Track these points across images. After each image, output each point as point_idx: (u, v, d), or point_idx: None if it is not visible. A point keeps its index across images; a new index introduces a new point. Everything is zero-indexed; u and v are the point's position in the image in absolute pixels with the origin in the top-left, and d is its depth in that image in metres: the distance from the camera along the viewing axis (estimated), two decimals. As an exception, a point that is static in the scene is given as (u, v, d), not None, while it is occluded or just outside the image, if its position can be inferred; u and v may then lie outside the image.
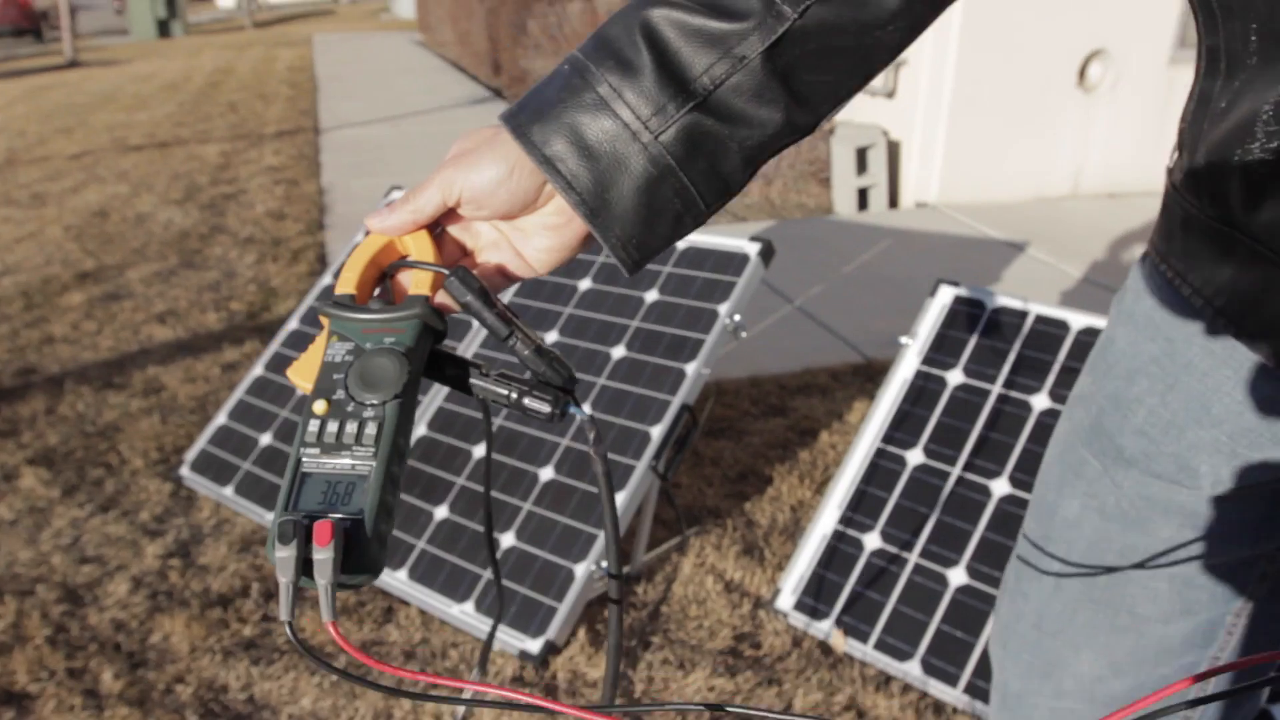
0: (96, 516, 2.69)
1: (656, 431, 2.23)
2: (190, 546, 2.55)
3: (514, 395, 0.71)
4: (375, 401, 0.67)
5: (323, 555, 0.60)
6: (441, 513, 2.33)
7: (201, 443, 2.84)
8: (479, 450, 2.43)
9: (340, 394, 0.67)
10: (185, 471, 2.79)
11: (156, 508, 2.72)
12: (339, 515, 0.62)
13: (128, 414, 3.27)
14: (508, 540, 2.22)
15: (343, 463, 0.65)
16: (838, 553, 2.18)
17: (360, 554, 0.62)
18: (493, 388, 0.72)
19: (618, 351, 2.44)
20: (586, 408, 0.80)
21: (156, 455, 2.99)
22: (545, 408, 0.71)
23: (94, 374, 3.60)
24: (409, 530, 2.32)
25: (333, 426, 0.66)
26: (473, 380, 0.72)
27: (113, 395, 3.42)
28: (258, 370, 2.96)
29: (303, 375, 0.72)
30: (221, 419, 2.88)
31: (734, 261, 2.45)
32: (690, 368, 2.30)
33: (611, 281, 2.60)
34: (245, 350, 3.75)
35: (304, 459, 0.65)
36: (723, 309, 2.36)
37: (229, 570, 2.45)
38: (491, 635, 1.15)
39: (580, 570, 2.09)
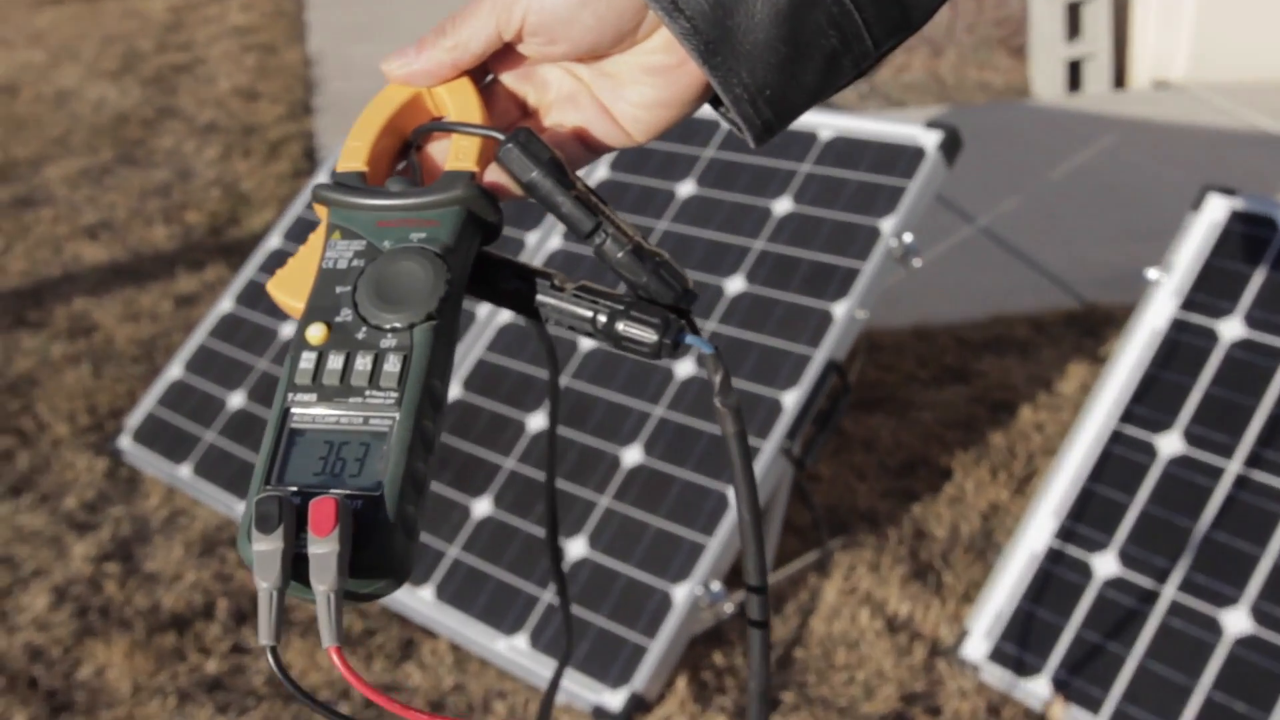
0: (4, 503, 2.73)
1: (790, 399, 2.19)
2: (133, 546, 2.57)
3: (603, 317, 0.71)
4: (399, 325, 0.67)
5: (322, 549, 0.60)
6: (482, 508, 2.32)
7: (148, 404, 2.87)
8: (536, 420, 2.39)
9: (347, 314, 0.68)
10: (125, 443, 2.83)
11: (86, 492, 2.74)
12: (346, 492, 0.63)
13: (47, 362, 3.31)
14: (577, 549, 2.19)
15: (351, 415, 0.65)
16: (1053, 581, 2.11)
17: (378, 548, 0.62)
18: (571, 307, 0.72)
19: (734, 284, 2.39)
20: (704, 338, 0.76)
21: (86, 420, 3.01)
22: (649, 334, 0.71)
23: (0, 307, 3.64)
24: (437, 532, 2.31)
25: (335, 361, 0.67)
26: (541, 297, 0.73)
27: (26, 336, 3.46)
28: (225, 305, 2.98)
29: (289, 288, 0.71)
30: (175, 372, 2.90)
31: (903, 157, 2.39)
32: (839, 309, 2.25)
33: (725, 184, 2.54)
34: (206, 278, 3.78)
35: (293, 410, 0.66)
36: (886, 225, 2.32)
37: (185, 580, 2.46)
38: (555, 684, 1.11)
39: (680, 594, 2.06)
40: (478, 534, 2.30)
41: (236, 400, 2.76)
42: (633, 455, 2.26)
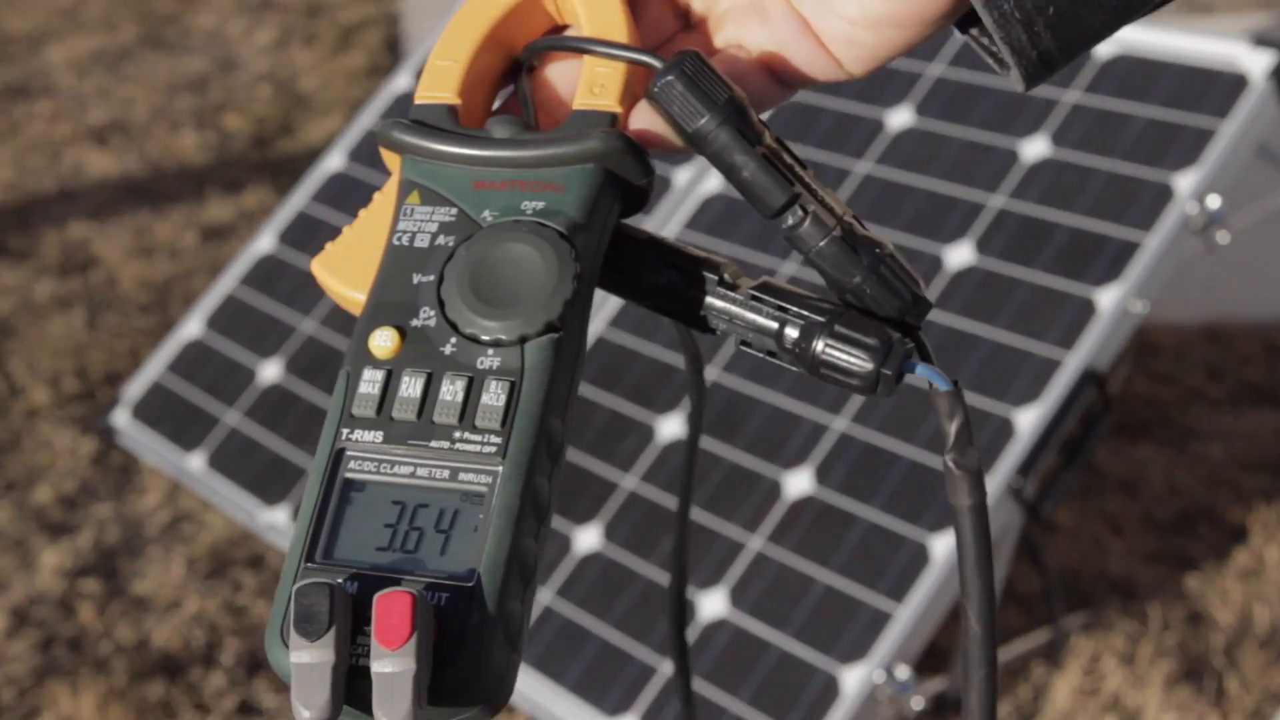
0: (-39, 488, 2.78)
1: (1027, 420, 2.15)
2: (119, 559, 2.61)
3: (793, 332, 0.70)
4: (505, 337, 0.66)
5: (393, 666, 0.59)
6: (589, 541, 2.33)
7: (154, 369, 2.91)
8: (670, 426, 2.39)
9: (428, 317, 0.67)
10: (121, 420, 2.86)
11: (65, 482, 2.79)
12: (425, 579, 0.62)
13: (28, 306, 3.38)
14: (713, 607, 2.18)
15: (433, 466, 0.65)
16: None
17: (470, 664, 0.61)
18: (749, 315, 0.71)
19: (957, 255, 2.35)
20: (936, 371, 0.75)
21: (73, 385, 3.07)
22: (861, 360, 0.69)
23: (-24, 228, 3.74)
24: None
25: (411, 386, 0.66)
26: (711, 298, 0.72)
27: (4, 270, 3.54)
28: (265, 243, 3.02)
29: (342, 271, 0.72)
30: (193, 329, 2.94)
31: (1215, 87, 2.34)
32: (1106, 297, 2.21)
33: (955, 115, 2.50)
34: (245, 204, 3.85)
35: (349, 454, 0.65)
36: (1183, 182, 2.26)
37: (185, 610, 2.49)
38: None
39: (853, 679, 2.04)
40: (579, 576, 2.29)
41: (271, 372, 2.79)
42: (799, 483, 2.24)
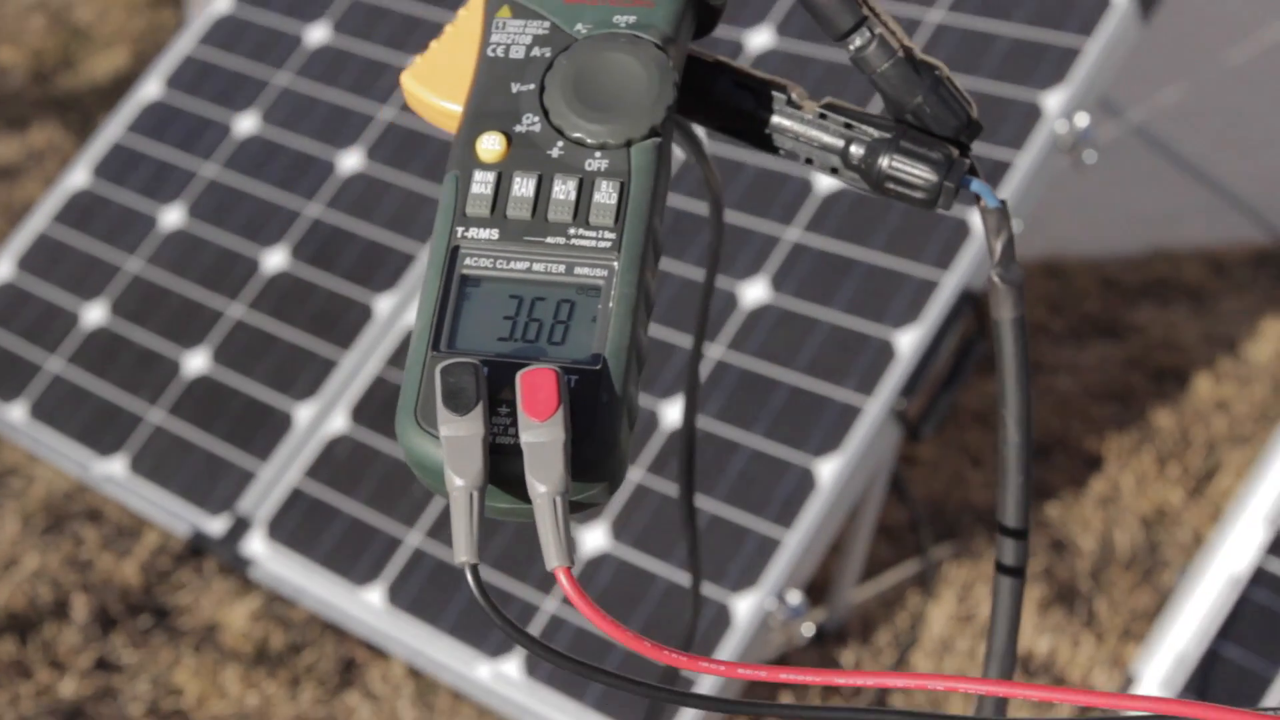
0: None
1: (907, 341, 2.21)
2: None
3: (858, 149, 0.75)
4: (612, 141, 0.71)
5: (543, 436, 0.63)
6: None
7: None
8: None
9: (532, 122, 0.72)
10: None
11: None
12: (551, 363, 0.66)
13: None
14: (594, 542, 2.21)
15: (549, 261, 0.69)
16: (1263, 614, 2.12)
17: (601, 440, 0.65)
18: (816, 133, 0.76)
19: (826, 180, 2.39)
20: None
21: None
22: (926, 173, 0.74)
23: None
24: (396, 515, 2.31)
25: (523, 186, 0.70)
26: (778, 117, 0.77)
27: None
28: (78, 178, 2.96)
29: (437, 81, 0.76)
30: (3, 271, 2.88)
31: (1079, 5, 2.40)
32: (979, 218, 2.24)
33: (813, 36, 2.53)
34: (32, 142, 3.75)
35: (464, 250, 0.69)
36: (1051, 101, 2.33)
37: (25, 567, 2.47)
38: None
39: (744, 607, 2.09)
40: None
41: (95, 315, 2.75)
42: (677, 413, 2.27)
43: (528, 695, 2.13)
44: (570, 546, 0.63)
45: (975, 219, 2.26)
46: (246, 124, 2.86)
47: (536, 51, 0.73)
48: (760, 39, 2.59)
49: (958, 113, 0.75)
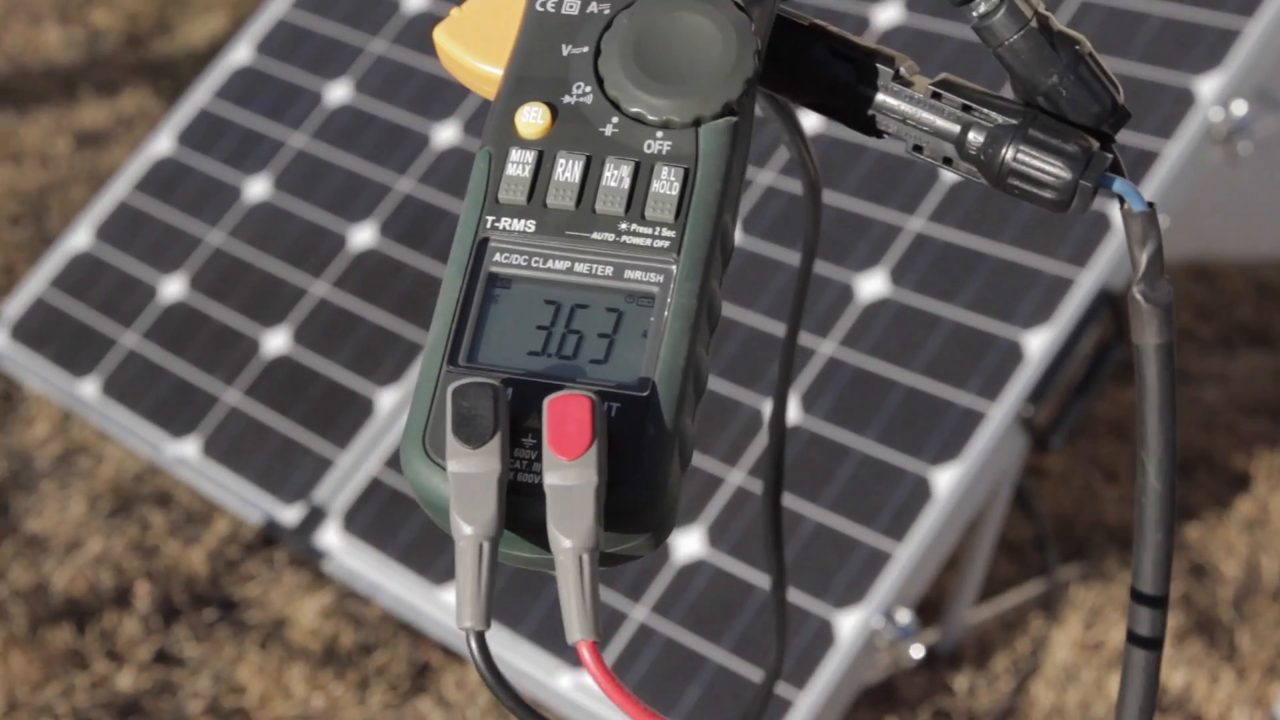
0: None
1: (1037, 343, 2.14)
2: (8, 495, 2.58)
3: (978, 136, 0.68)
4: (678, 119, 0.64)
5: (572, 479, 0.57)
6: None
7: (36, 285, 2.85)
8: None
9: (584, 93, 0.65)
10: (0, 341, 2.80)
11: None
12: (589, 387, 0.60)
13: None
14: (690, 547, 2.15)
15: (595, 260, 0.63)
16: None
17: (646, 483, 0.59)
18: (927, 115, 0.69)
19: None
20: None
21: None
22: (1059, 168, 0.67)
23: None
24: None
25: (568, 170, 0.64)
26: (883, 95, 0.70)
27: None
28: (162, 144, 2.95)
29: (471, 40, 0.69)
30: (80, 240, 2.88)
31: None
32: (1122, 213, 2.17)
33: (943, 12, 2.45)
34: (122, 108, 3.80)
35: (494, 244, 0.63)
36: (1205, 87, 2.25)
37: (88, 551, 2.45)
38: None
39: (849, 625, 2.04)
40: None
41: (174, 288, 2.72)
42: (790, 410, 2.20)
43: (610, 708, 2.06)
44: (597, 615, 0.57)
45: (1117, 212, 2.17)
46: (338, 93, 2.81)
47: (593, 7, 0.66)
48: (888, 14, 2.52)
49: (1100, 97, 0.68)
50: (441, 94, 2.73)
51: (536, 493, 0.57)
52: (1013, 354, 2.13)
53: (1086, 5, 2.39)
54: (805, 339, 2.26)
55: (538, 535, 0.58)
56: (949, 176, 2.31)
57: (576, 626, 0.56)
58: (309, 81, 2.87)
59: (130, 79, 3.92)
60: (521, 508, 0.58)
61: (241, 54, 2.99)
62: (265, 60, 2.96)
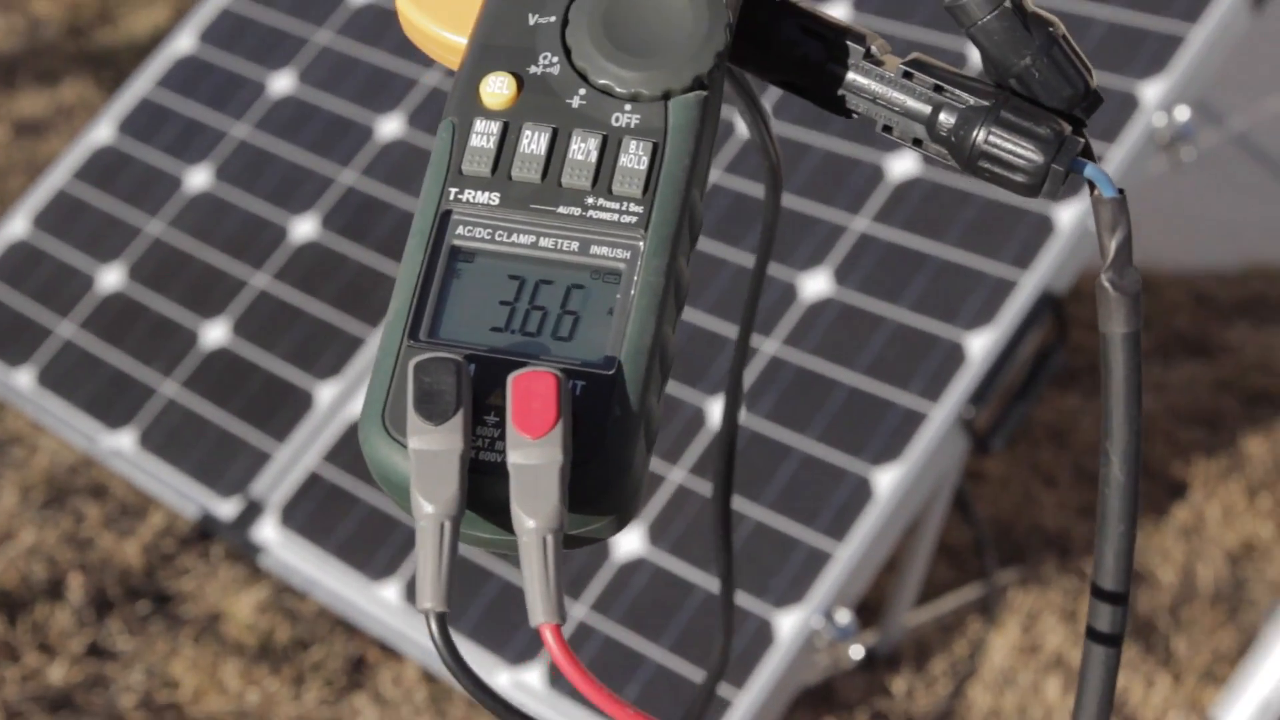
0: None
1: (979, 345, 2.15)
2: None
3: (949, 117, 0.68)
4: (647, 91, 0.63)
5: (537, 457, 0.56)
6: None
7: None
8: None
9: (550, 63, 0.65)
10: None
11: None
12: (554, 365, 0.59)
13: None
14: (630, 545, 2.16)
15: (560, 235, 0.62)
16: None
17: (611, 463, 0.58)
18: (897, 95, 0.69)
19: (902, 165, 2.34)
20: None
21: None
22: (1029, 153, 0.67)
23: None
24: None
25: (534, 142, 0.63)
26: (853, 74, 0.70)
27: None
28: (102, 133, 2.94)
29: (433, 7, 0.68)
30: (17, 228, 2.87)
31: None
32: (1067, 214, 2.22)
33: (895, 12, 2.47)
34: (62, 98, 3.80)
35: (456, 216, 0.62)
36: (1149, 92, 2.26)
37: (20, 542, 2.45)
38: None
39: (788, 624, 2.04)
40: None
41: (112, 278, 2.71)
42: (717, 409, 2.20)
43: (549, 706, 2.07)
44: (560, 598, 0.55)
45: (1061, 213, 2.19)
46: (282, 83, 2.80)
47: None
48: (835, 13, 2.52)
49: (1073, 80, 0.68)
50: (386, 86, 2.73)
51: (499, 471, 0.57)
52: (955, 355, 2.14)
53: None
54: (752, 340, 2.26)
55: (500, 515, 0.57)
56: (894, 176, 2.31)
57: (540, 610, 0.55)
58: (252, 71, 2.86)
59: (70, 68, 3.91)
60: (484, 487, 0.57)
61: (184, 42, 2.97)
62: (208, 49, 2.95)
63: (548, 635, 0.55)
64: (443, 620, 0.56)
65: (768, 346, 2.24)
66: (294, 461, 2.34)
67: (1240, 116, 3.92)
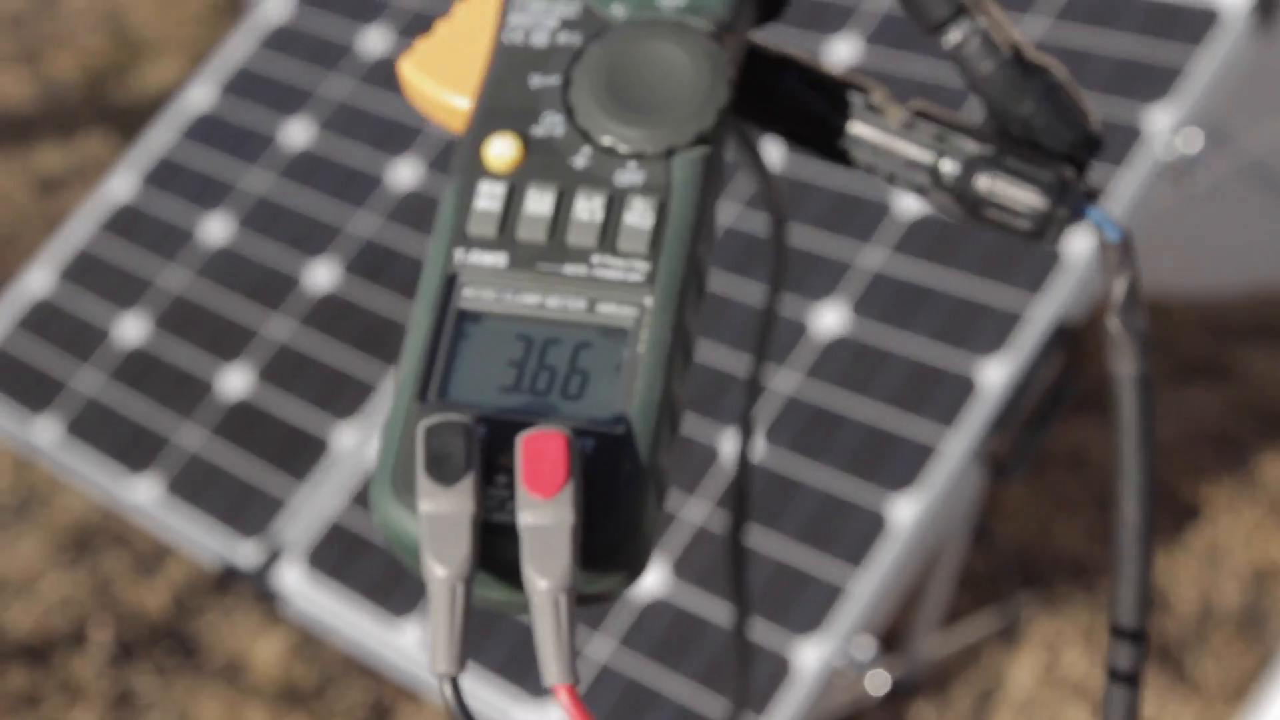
0: None
1: (995, 375, 2.15)
2: None
3: (951, 167, 0.68)
4: (650, 149, 0.63)
5: (547, 518, 0.56)
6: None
7: None
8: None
9: (554, 124, 0.64)
10: None
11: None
12: (563, 424, 0.58)
13: None
14: (651, 584, 2.16)
15: (566, 296, 0.61)
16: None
17: (623, 521, 0.58)
18: (900, 145, 0.69)
19: (908, 200, 2.32)
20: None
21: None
22: (1033, 197, 0.67)
23: None
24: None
25: (539, 203, 0.63)
26: (857, 126, 0.70)
27: None
28: (122, 184, 2.94)
29: (438, 71, 0.68)
30: (39, 281, 2.87)
31: (1186, 18, 2.33)
32: (1076, 245, 2.20)
33: (906, 44, 2.47)
34: (82, 153, 3.80)
35: (464, 279, 0.62)
36: (1159, 119, 2.26)
37: (45, 592, 2.45)
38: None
39: (809, 658, 2.03)
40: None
41: (134, 329, 2.71)
42: (729, 448, 2.20)
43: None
44: (574, 658, 0.55)
45: (1073, 242, 2.19)
46: (299, 134, 2.82)
47: (563, 38, 0.66)
48: (845, 49, 2.54)
49: (1074, 124, 0.68)
50: (402, 135, 2.74)
51: (510, 533, 0.56)
52: (970, 385, 2.14)
53: (1041, 42, 2.42)
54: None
55: (512, 576, 0.56)
56: (905, 212, 2.32)
57: (555, 670, 0.55)
58: (269, 123, 2.88)
59: (88, 125, 3.91)
60: (495, 548, 0.56)
61: (200, 95, 2.99)
62: (230, 100, 2.97)
63: (563, 696, 0.55)
64: (455, 684, 0.55)
65: (783, 381, 2.24)
66: (314, 508, 2.35)
67: (1249, 139, 3.92)
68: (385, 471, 0.57)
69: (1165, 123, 2.24)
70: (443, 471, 0.55)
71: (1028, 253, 2.22)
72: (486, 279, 0.61)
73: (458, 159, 0.64)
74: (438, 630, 0.55)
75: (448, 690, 0.55)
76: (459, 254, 0.62)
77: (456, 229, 0.62)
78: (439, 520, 0.55)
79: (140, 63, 4.28)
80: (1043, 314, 2.16)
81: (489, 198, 0.62)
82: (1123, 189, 2.21)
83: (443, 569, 0.55)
